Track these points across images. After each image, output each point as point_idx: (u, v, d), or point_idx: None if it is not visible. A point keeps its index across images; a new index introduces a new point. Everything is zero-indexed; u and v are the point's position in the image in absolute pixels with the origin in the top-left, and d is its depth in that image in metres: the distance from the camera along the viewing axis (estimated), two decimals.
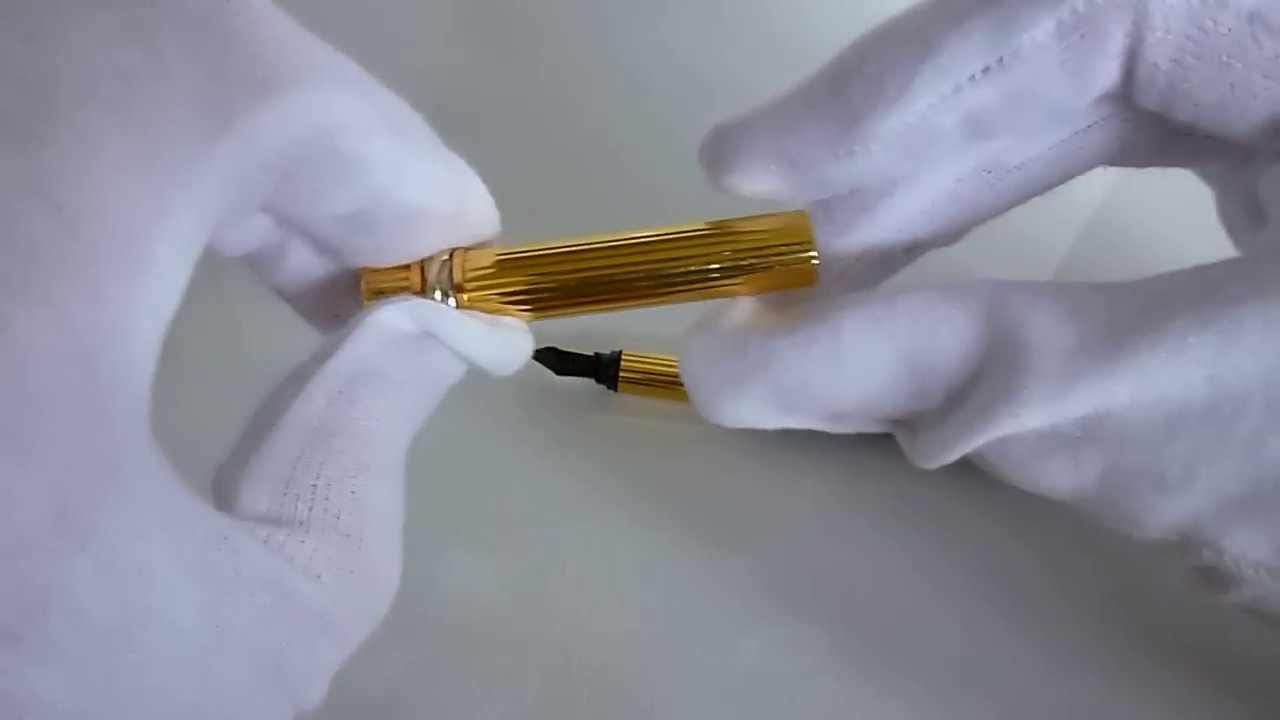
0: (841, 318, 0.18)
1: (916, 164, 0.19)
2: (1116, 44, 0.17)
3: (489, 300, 0.19)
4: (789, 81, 0.19)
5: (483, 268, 0.19)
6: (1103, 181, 0.27)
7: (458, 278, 0.19)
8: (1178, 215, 0.22)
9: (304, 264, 0.19)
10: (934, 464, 0.18)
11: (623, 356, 0.27)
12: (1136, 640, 0.23)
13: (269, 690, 0.14)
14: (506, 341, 0.19)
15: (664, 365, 0.27)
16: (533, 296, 0.19)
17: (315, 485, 0.16)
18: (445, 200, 0.18)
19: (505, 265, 0.19)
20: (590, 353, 0.27)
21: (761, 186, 0.19)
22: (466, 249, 0.19)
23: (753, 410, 0.19)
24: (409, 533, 0.24)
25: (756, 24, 0.34)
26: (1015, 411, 0.17)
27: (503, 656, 0.23)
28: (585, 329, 0.27)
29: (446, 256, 0.19)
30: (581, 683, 0.23)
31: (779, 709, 0.22)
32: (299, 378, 0.17)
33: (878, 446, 0.22)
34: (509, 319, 0.19)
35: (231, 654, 0.14)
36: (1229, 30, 0.17)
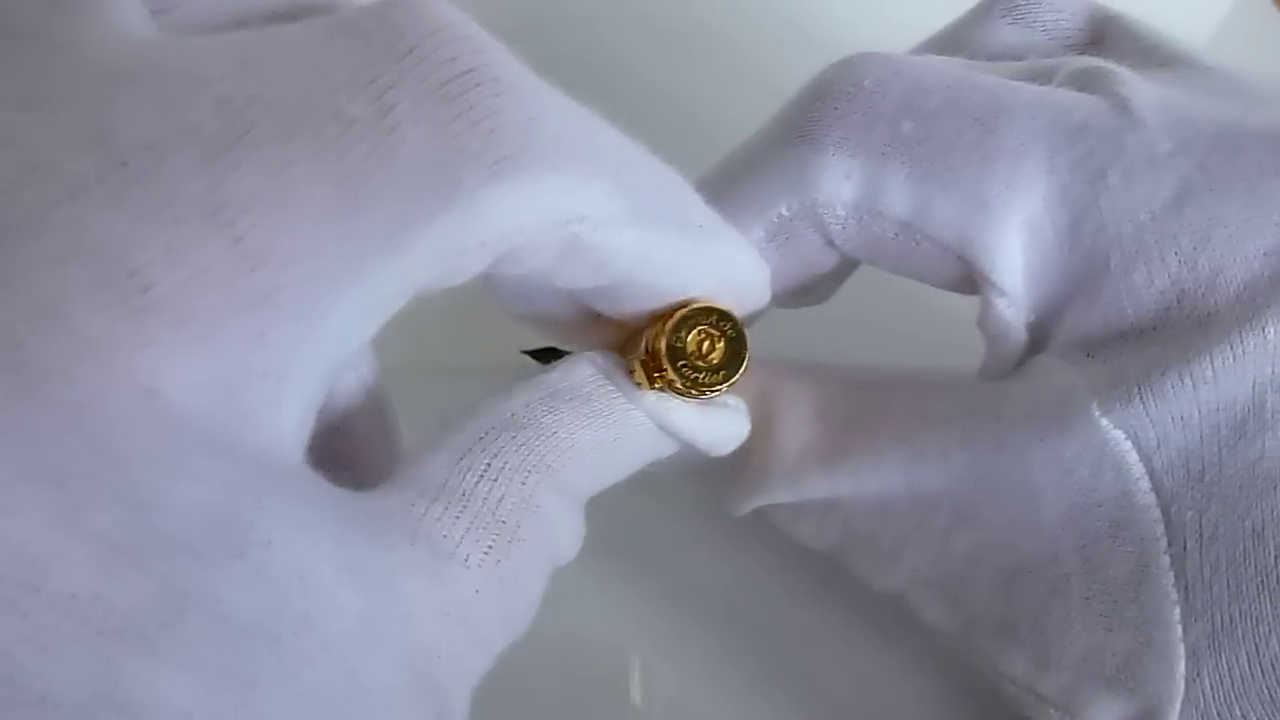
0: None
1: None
2: (818, 241, 0.20)
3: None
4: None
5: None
6: None
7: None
8: None
9: (552, 303, 0.19)
10: (730, 514, 0.21)
11: None
12: None
13: (417, 699, 0.14)
14: (723, 422, 0.19)
15: None
16: None
17: (490, 465, 0.15)
18: (698, 285, 0.18)
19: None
20: None
21: None
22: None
23: None
24: None
25: (702, 28, 0.34)
26: (766, 493, 0.20)
27: (501, 656, 0.23)
28: None
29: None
30: (581, 682, 0.23)
31: (781, 708, 0.23)
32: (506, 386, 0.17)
33: None
34: (729, 398, 0.19)
35: (383, 657, 0.13)
36: (894, 236, 0.19)
